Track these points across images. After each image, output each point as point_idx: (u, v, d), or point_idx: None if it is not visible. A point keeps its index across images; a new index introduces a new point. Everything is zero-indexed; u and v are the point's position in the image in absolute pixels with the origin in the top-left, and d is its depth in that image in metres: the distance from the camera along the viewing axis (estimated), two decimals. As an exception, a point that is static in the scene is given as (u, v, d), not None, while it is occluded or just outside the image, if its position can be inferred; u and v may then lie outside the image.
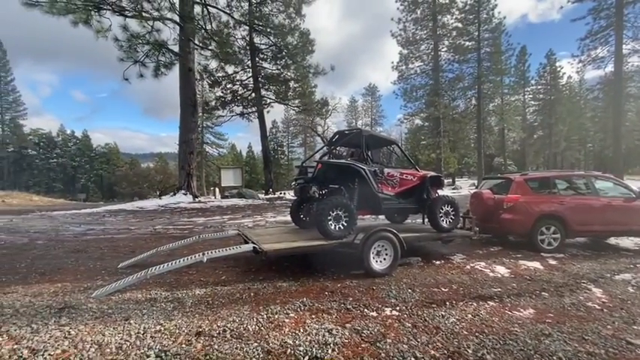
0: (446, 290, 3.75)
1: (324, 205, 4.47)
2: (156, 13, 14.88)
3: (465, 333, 2.66)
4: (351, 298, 3.40)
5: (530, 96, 47.96)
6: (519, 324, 2.85)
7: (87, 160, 48.82)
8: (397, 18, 30.21)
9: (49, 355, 2.21)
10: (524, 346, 2.46)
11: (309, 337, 2.53)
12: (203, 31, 17.13)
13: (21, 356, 2.19)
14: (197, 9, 17.49)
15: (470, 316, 3.01)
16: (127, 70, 15.43)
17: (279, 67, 22.97)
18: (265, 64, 23.42)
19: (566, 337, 2.64)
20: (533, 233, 5.86)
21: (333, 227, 4.48)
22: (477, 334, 2.64)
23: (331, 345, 2.41)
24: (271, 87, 24.18)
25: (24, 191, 31.01)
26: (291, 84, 23.66)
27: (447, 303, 3.32)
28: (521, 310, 3.20)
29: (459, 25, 28.88)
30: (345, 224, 4.55)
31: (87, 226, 9.41)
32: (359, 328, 2.70)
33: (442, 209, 5.30)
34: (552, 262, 5.19)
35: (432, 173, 5.78)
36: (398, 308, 3.18)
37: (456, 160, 35.30)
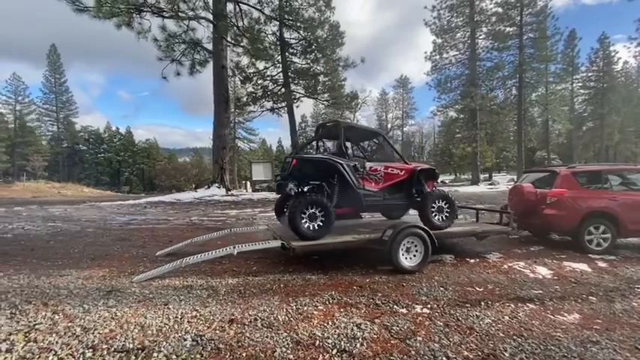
0: (481, 290, 3.60)
1: (298, 203, 4.21)
2: (191, 13, 15.45)
3: (502, 335, 2.54)
4: (380, 294, 3.37)
5: (580, 84, 44.13)
6: (563, 329, 2.67)
7: (130, 155, 52.18)
8: (431, 5, 28.95)
9: (99, 333, 2.41)
10: (568, 353, 2.30)
11: (337, 330, 2.54)
12: (235, 28, 17.54)
13: (74, 333, 2.40)
14: (229, 7, 17.91)
15: (507, 317, 2.87)
16: (165, 69, 16.23)
17: (309, 61, 22.97)
18: (295, 59, 23.53)
19: (616, 345, 2.43)
20: (579, 232, 5.42)
21: (307, 227, 4.23)
22: (514, 337, 2.51)
23: (360, 339, 2.41)
24: (301, 81, 24.27)
25: (76, 183, 33.91)
26: (321, 78, 23.60)
27: (482, 303, 3.18)
28: (565, 314, 2.99)
29: (499, 10, 27.11)
30: (322, 224, 4.29)
31: (130, 216, 10.10)
32: (388, 324, 2.66)
33: (435, 205, 4.94)
34: (602, 264, 4.79)
35: (424, 166, 5.40)
36: (429, 306, 3.10)
37: (493, 154, 33.45)
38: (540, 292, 3.57)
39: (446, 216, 4.98)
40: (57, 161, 50.40)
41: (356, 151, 5.73)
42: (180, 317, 2.71)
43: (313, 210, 4.29)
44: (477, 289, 3.63)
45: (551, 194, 5.62)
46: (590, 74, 43.00)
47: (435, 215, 4.93)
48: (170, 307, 2.94)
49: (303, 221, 4.23)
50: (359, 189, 4.72)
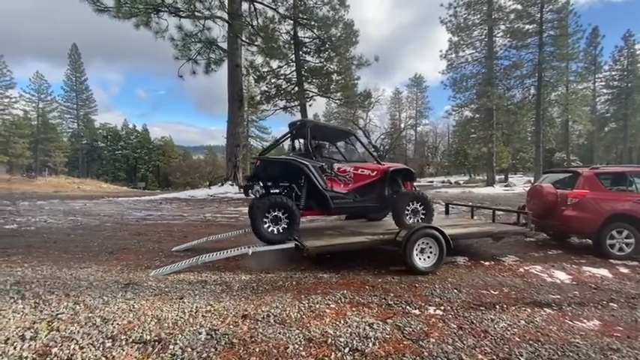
0: (496, 293, 3.53)
1: (260, 205, 4.14)
2: (207, 12, 15.67)
3: (517, 340, 2.48)
4: (392, 294, 3.35)
5: (602, 83, 42.58)
6: (582, 335, 2.59)
7: (146, 152, 53.34)
8: (447, 3, 28.42)
9: (117, 324, 2.48)
10: (587, 360, 2.23)
11: (349, 329, 2.54)
12: (250, 27, 17.69)
13: (94, 324, 2.48)
14: (244, 6, 18.08)
15: (523, 322, 2.81)
16: (181, 68, 16.53)
17: (322, 59, 22.97)
18: (308, 58, 23.56)
19: (638, 353, 2.35)
20: (601, 235, 5.24)
21: (270, 230, 4.17)
22: (530, 342, 2.46)
23: (372, 339, 2.40)
24: (314, 80, 24.30)
25: (95, 179, 34.98)
26: (334, 76, 23.55)
27: (497, 306, 3.12)
28: (585, 320, 2.90)
29: (518, 6, 26.36)
30: (286, 227, 4.21)
31: (146, 211, 10.35)
32: (400, 325, 2.65)
33: (409, 206, 4.75)
34: (624, 270, 4.62)
35: (399, 166, 5.24)
36: (442, 308, 3.06)
37: (509, 154, 32.62)
38: (558, 297, 3.48)
39: (421, 218, 4.81)
40: (76, 157, 52.08)
41: (332, 151, 5.50)
42: (195, 311, 2.77)
43: (276, 213, 4.19)
44: (492, 292, 3.56)
45: (573, 195, 5.45)
46: (613, 73, 41.45)
47: (410, 218, 4.76)
48: (185, 301, 3.00)
49: (266, 225, 4.18)
50: (326, 190, 4.59)
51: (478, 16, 28.11)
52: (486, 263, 4.73)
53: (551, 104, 29.90)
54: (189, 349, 2.17)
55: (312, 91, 24.59)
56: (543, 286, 3.79)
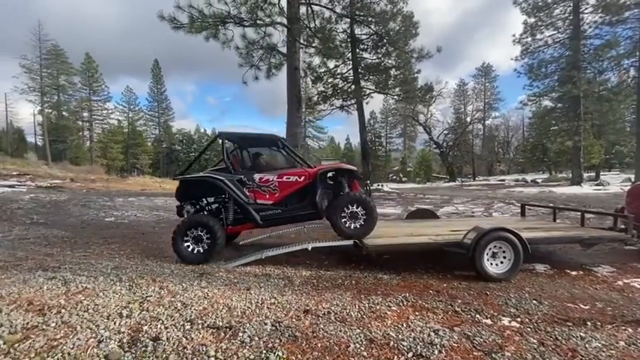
0: (586, 307, 3.07)
1: (179, 226, 4.16)
2: (268, 19, 16.49)
3: (617, 364, 2.12)
4: (459, 301, 3.13)
5: None
6: None
7: (215, 154, 58.44)
8: (521, -19, 25.59)
9: (195, 309, 2.74)
10: None
11: (412, 334, 2.44)
12: (307, 29, 18.12)
13: (176, 307, 2.78)
14: (302, 9, 18.57)
15: (622, 343, 2.39)
16: (245, 74, 17.70)
17: (380, 55, 22.49)
18: (365, 55, 23.27)
19: None
20: None
21: (190, 250, 4.16)
22: (635, 368, 2.08)
23: (438, 346, 2.27)
24: (371, 77, 23.94)
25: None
26: (392, 72, 22.89)
27: (589, 323, 2.71)
28: None
29: (613, -25, 22.55)
30: (207, 247, 4.16)
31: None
32: (470, 334, 2.46)
33: (347, 210, 4.34)
34: None
35: (332, 166, 4.88)
36: (519, 320, 2.77)
37: (602, 148, 28.12)
38: (673, 318, 2.89)
39: (361, 223, 4.38)
40: (158, 159, 59.20)
41: (260, 161, 5.16)
42: (260, 302, 2.93)
43: (197, 232, 4.14)
44: (582, 306, 3.11)
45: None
46: None
47: (347, 222, 4.38)
48: (252, 292, 3.19)
49: (186, 244, 4.17)
50: (249, 204, 4.43)
51: (560, -8, 24.76)
52: (573, 273, 4.15)
53: (659, 87, 24.93)
54: (257, 338, 2.29)
55: (369, 88, 24.25)
56: (651, 304, 3.19)
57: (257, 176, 4.58)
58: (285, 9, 17.26)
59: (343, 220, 4.39)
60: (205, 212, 4.74)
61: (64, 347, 2.10)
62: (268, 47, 16.90)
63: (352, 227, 4.38)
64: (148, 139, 60.95)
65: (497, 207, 11.39)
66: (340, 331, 2.45)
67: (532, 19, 25.98)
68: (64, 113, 47.56)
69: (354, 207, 4.39)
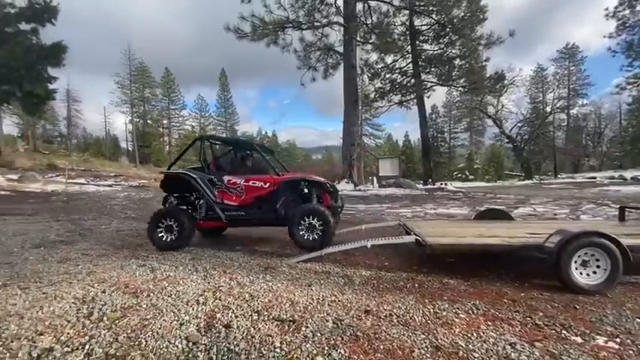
0: None
1: (155, 214, 4.71)
2: (324, 20, 16.74)
3: None
4: (540, 313, 2.79)
5: None
6: None
7: (277, 154, 61.51)
8: (617, -56, 21.80)
9: (261, 301, 2.91)
10: None
11: (484, 345, 2.24)
12: (364, 26, 17.91)
13: (244, 298, 2.98)
14: (359, 6, 18.40)
15: None
16: (303, 76, 18.21)
17: (442, 45, 21.19)
18: (426, 46, 22.15)
19: None
20: None
21: (160, 237, 4.65)
22: None
23: (515, 361, 2.05)
24: (432, 69, 22.70)
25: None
26: (456, 62, 21.39)
27: None
28: None
29: None
30: (175, 236, 4.65)
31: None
32: (555, 352, 2.17)
33: (304, 221, 4.61)
34: None
35: (297, 176, 5.19)
36: (618, 340, 2.36)
37: None
38: None
39: (318, 234, 4.60)
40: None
41: (235, 163, 5.53)
42: (321, 299, 2.98)
43: (168, 222, 4.65)
44: None
45: None
46: None
47: (304, 234, 4.65)
48: (313, 288, 3.26)
49: (159, 232, 4.68)
50: (217, 203, 4.83)
51: (672, -50, 20.50)
52: (695, 290, 3.39)
53: None
54: (319, 334, 2.34)
55: (431, 81, 23.03)
56: None
57: (226, 178, 4.97)
58: (342, 8, 17.31)
59: (301, 231, 4.67)
60: (185, 205, 5.24)
61: (153, 326, 2.39)
62: (325, 47, 17.15)
63: (311, 238, 4.65)
64: (217, 142, 66.66)
65: (586, 209, 9.88)
66: (403, 335, 2.37)
67: (632, -13, 21.99)
68: (148, 121, 54.74)
69: (311, 219, 4.62)
